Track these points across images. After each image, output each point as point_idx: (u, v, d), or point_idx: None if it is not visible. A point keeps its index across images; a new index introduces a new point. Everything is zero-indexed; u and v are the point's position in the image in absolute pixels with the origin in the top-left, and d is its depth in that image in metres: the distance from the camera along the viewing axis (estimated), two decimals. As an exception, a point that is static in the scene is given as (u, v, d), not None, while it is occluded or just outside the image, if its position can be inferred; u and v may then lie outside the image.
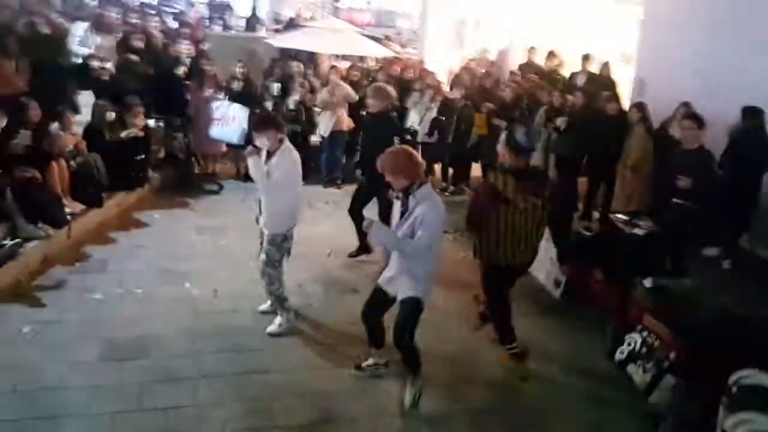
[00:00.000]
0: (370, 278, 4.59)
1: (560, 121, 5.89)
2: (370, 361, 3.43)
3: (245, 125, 6.62)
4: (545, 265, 4.74)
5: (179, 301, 4.10)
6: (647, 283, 4.02)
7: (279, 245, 3.71)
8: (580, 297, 4.47)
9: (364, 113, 6.05)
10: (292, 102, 6.79)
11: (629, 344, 3.69)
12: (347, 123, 6.92)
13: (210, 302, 4.14)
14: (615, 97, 5.89)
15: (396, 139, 4.62)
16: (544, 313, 4.33)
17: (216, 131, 6.74)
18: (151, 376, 3.31)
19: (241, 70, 6.87)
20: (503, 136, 3.41)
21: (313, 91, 6.99)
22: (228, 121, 6.63)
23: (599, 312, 4.26)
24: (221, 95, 6.84)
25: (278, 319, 3.81)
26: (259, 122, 3.68)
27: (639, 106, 5.56)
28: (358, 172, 6.48)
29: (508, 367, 3.62)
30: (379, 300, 3.25)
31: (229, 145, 6.98)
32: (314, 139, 7.32)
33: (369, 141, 4.93)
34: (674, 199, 4.19)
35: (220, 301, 4.16)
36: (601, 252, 4.39)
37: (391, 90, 4.87)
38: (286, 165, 3.56)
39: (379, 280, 3.25)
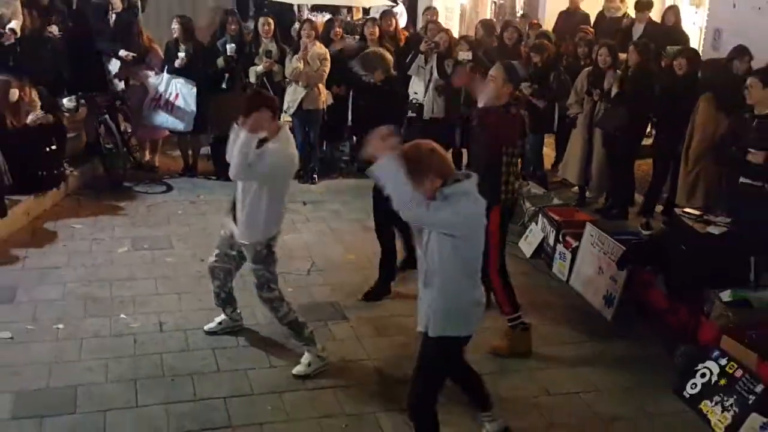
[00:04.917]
0: (364, 301, 4.74)
1: (609, 78, 5.96)
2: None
3: (193, 105, 6.72)
4: (592, 279, 4.87)
5: (113, 339, 4.17)
6: (725, 296, 4.13)
7: (265, 260, 3.81)
8: (639, 317, 4.57)
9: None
10: (252, 74, 6.82)
11: (703, 375, 3.80)
12: (324, 98, 6.99)
13: (154, 338, 4.21)
14: (685, 52, 5.98)
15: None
16: (591, 338, 4.44)
17: (153, 116, 6.83)
18: (79, 438, 3.38)
19: (178, 26, 6.74)
20: None
21: (282, 60, 6.90)
22: (169, 101, 6.72)
23: (662, 335, 4.37)
24: (156, 65, 6.91)
25: (306, 357, 3.91)
26: (249, 101, 3.74)
27: (711, 65, 5.69)
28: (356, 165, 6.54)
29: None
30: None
31: (172, 130, 7.08)
32: (286, 119, 7.43)
33: (363, 123, 4.97)
34: (742, 179, 4.36)
35: (167, 336, 4.24)
36: (665, 258, 4.49)
37: (384, 54, 4.87)
38: (281, 154, 3.67)
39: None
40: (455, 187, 2.79)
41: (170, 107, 6.67)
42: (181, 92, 6.65)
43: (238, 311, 4.29)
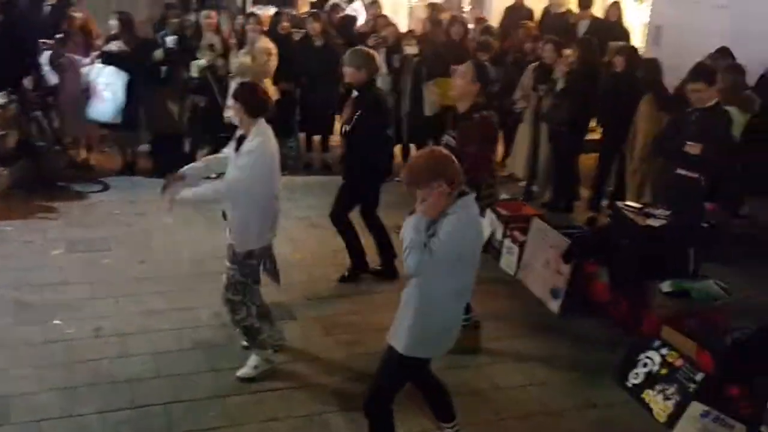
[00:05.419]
0: (311, 301, 4.67)
1: (558, 72, 6.03)
2: None
3: (121, 96, 6.48)
4: (539, 273, 4.91)
5: (46, 346, 4.02)
6: (665, 286, 4.22)
7: (241, 263, 3.67)
8: (583, 308, 4.62)
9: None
10: (195, 68, 6.63)
11: (645, 365, 3.86)
12: (272, 93, 6.85)
13: (90, 345, 4.07)
14: (623, 50, 6.08)
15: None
16: (538, 332, 4.47)
17: (83, 108, 6.54)
18: (11, 452, 3.26)
19: (117, 21, 6.59)
20: None
21: (226, 54, 6.75)
22: (97, 91, 6.47)
23: (606, 326, 4.44)
24: (92, 55, 6.67)
25: (253, 359, 3.81)
26: (237, 90, 3.77)
27: (648, 65, 5.78)
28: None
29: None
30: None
31: (106, 125, 6.80)
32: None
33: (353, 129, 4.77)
34: (679, 170, 4.44)
35: (104, 342, 4.11)
36: (606, 250, 4.55)
37: (368, 54, 4.65)
38: (259, 153, 3.51)
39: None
40: (457, 204, 2.77)
41: (98, 97, 6.44)
42: (109, 81, 6.42)
43: (277, 329, 4.07)
